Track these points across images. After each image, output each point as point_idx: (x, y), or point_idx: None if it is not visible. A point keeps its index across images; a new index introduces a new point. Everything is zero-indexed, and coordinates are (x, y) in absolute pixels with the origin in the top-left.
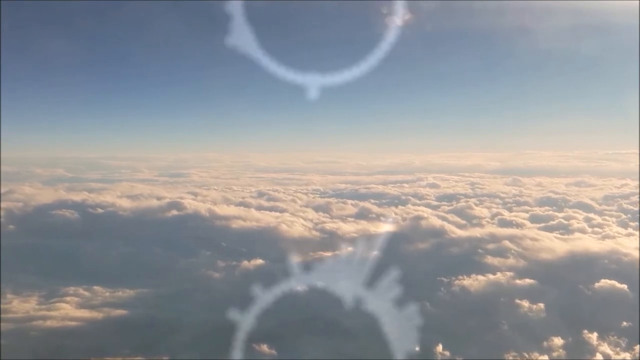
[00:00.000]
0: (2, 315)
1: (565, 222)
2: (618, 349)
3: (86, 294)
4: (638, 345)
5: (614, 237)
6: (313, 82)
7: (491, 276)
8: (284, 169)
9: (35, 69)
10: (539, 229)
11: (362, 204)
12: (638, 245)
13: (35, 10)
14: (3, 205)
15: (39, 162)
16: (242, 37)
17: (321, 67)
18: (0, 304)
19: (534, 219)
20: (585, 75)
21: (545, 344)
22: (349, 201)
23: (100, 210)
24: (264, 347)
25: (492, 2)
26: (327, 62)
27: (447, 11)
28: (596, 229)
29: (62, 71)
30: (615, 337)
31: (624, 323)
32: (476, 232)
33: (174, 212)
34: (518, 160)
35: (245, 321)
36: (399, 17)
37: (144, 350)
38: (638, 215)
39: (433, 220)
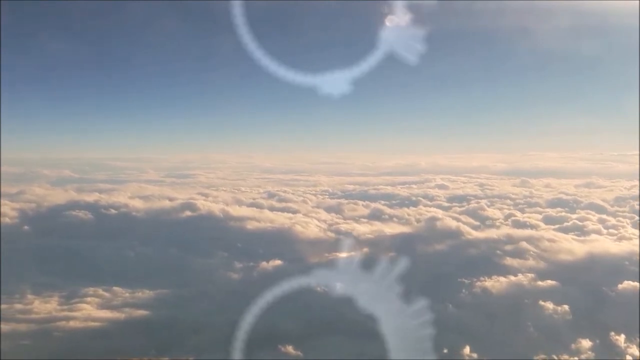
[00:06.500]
0: (25, 316)
1: (580, 223)
2: None
3: (106, 294)
4: None
5: (630, 239)
6: (315, 83)
7: (512, 277)
8: (289, 170)
9: (35, 69)
10: (554, 230)
11: (373, 205)
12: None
13: (36, 10)
14: (17, 205)
15: (44, 163)
16: (244, 37)
17: (323, 67)
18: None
19: (548, 220)
20: (587, 76)
21: (573, 346)
22: (360, 202)
23: (113, 211)
24: (290, 348)
25: (496, 3)
26: (329, 62)
27: (451, 11)
28: (611, 231)
29: (62, 72)
30: None
31: None
32: (492, 233)
33: (188, 213)
34: (524, 162)
35: (268, 322)
36: (401, 17)
37: (169, 350)
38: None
39: (448, 221)
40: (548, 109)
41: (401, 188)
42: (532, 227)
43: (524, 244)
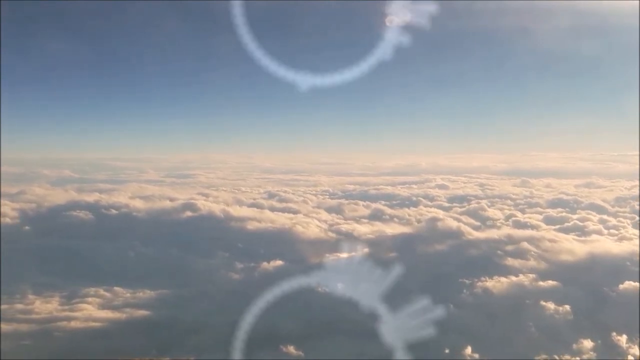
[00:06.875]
0: (25, 316)
1: (581, 223)
2: None
3: (107, 294)
4: None
5: (630, 239)
6: (316, 83)
7: (513, 278)
8: (289, 170)
9: (35, 69)
10: (555, 230)
11: (373, 205)
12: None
13: (36, 10)
14: (17, 206)
15: (44, 163)
16: (244, 37)
17: (323, 67)
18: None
19: (549, 220)
20: (587, 76)
21: (574, 346)
22: (360, 202)
23: (114, 212)
24: (291, 349)
25: (496, 3)
26: (329, 62)
27: (451, 12)
28: (612, 231)
29: (62, 72)
30: None
31: None
32: (493, 233)
33: (189, 213)
34: (525, 162)
35: (269, 322)
36: (401, 18)
37: (169, 351)
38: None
39: (449, 221)
40: (548, 109)
41: (401, 188)
42: (533, 227)
43: (525, 244)
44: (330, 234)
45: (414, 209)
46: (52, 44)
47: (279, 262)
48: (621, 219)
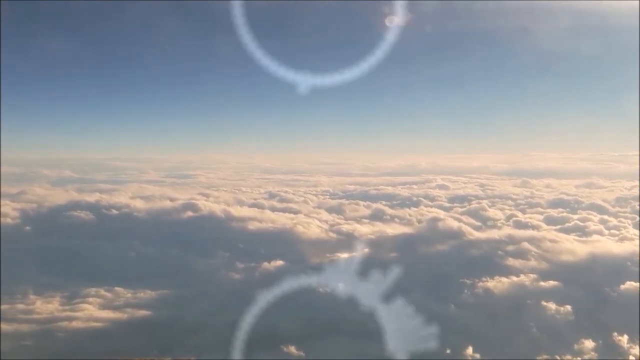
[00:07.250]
0: (26, 317)
1: (582, 224)
2: None
3: (108, 295)
4: None
5: (631, 239)
6: (316, 83)
7: (514, 278)
8: (290, 171)
9: (35, 69)
10: (555, 230)
11: (374, 205)
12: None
13: (36, 10)
14: (18, 206)
15: (44, 163)
16: (244, 37)
17: (323, 67)
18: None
19: (549, 220)
20: (587, 76)
21: (575, 346)
22: (361, 202)
23: (114, 212)
24: (292, 349)
25: (496, 3)
26: (330, 63)
27: (451, 12)
28: (613, 231)
29: (62, 72)
30: None
31: None
32: (494, 233)
33: (189, 213)
34: (525, 162)
35: (271, 322)
36: (401, 18)
37: (170, 351)
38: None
39: (450, 221)
40: (548, 109)
41: (402, 188)
42: (534, 227)
43: (526, 245)
44: (331, 234)
45: (415, 209)
46: (52, 44)
47: (279, 262)
48: (622, 219)
